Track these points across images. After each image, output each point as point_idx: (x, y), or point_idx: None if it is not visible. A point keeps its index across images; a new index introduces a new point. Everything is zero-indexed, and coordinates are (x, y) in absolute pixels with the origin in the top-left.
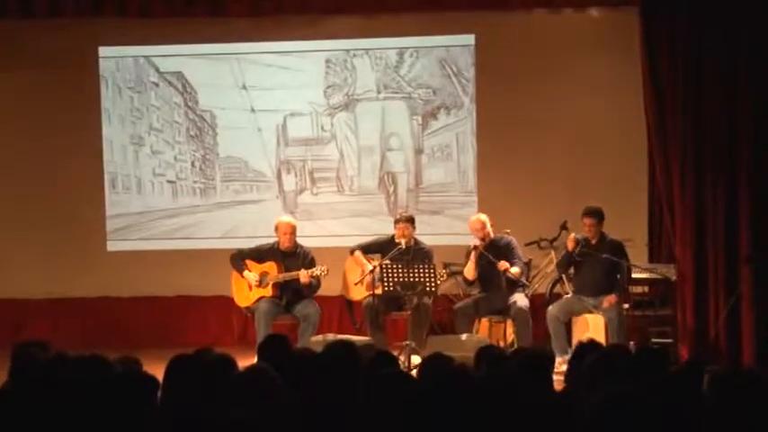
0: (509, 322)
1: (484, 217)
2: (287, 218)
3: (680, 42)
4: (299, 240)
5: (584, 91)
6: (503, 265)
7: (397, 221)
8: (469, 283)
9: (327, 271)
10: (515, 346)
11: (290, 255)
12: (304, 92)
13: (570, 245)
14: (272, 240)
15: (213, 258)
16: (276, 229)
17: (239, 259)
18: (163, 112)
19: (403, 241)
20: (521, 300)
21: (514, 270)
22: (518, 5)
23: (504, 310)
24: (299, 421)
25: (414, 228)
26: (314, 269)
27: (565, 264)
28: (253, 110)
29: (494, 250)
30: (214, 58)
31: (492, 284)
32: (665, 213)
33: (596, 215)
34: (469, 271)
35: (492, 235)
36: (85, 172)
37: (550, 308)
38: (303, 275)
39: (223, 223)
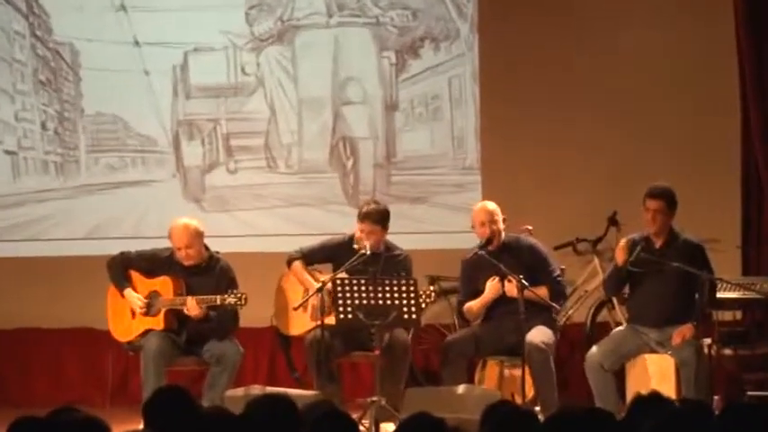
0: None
1: (492, 206)
2: (183, 220)
3: None
4: (212, 245)
5: (642, 18)
6: (510, 291)
7: (362, 217)
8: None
9: (245, 299)
10: (539, 402)
11: (198, 270)
12: (214, 15)
13: (620, 256)
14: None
15: (73, 270)
16: (169, 237)
17: (121, 268)
18: None
19: (368, 245)
20: (537, 332)
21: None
22: None
23: (517, 347)
24: None
25: (386, 227)
26: (221, 296)
27: (614, 282)
28: (136, 43)
29: (507, 257)
30: None
31: (501, 307)
32: (765, 203)
33: (665, 197)
34: (475, 313)
35: (503, 234)
36: None
37: (592, 351)
38: (191, 305)
39: (90, 216)
